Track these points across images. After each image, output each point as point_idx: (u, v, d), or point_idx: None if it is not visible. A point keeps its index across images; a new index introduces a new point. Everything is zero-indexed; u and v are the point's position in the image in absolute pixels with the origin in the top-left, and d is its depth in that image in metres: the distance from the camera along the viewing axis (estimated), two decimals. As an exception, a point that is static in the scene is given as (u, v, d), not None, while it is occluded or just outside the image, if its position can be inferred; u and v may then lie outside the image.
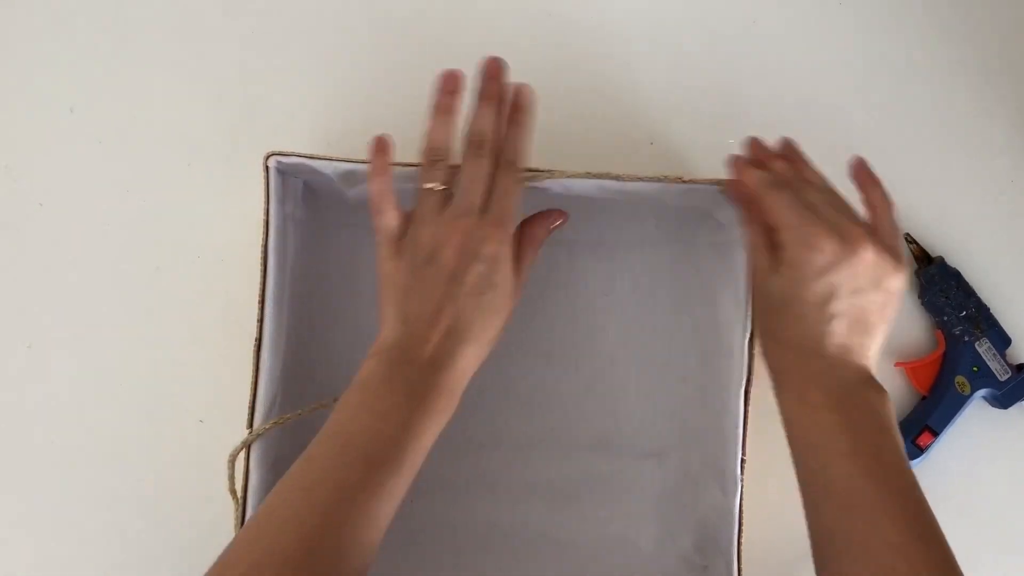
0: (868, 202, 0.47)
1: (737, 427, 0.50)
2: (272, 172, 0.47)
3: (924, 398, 0.57)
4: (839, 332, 0.43)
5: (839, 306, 0.42)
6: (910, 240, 0.57)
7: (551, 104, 0.58)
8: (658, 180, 0.47)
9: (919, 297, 0.57)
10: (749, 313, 0.49)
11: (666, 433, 0.56)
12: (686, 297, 0.56)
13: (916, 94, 0.59)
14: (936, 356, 0.57)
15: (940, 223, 0.58)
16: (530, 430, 0.56)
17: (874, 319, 0.43)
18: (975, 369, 0.56)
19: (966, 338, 0.56)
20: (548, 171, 0.47)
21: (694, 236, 0.56)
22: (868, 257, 0.42)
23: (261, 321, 0.47)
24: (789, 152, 0.50)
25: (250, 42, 0.59)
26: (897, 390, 0.58)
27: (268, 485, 0.49)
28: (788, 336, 0.44)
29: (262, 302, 0.47)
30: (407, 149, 0.58)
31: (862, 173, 0.48)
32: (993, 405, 0.57)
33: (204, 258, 0.57)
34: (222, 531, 0.54)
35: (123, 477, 0.56)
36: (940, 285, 0.56)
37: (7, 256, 0.57)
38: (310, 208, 0.53)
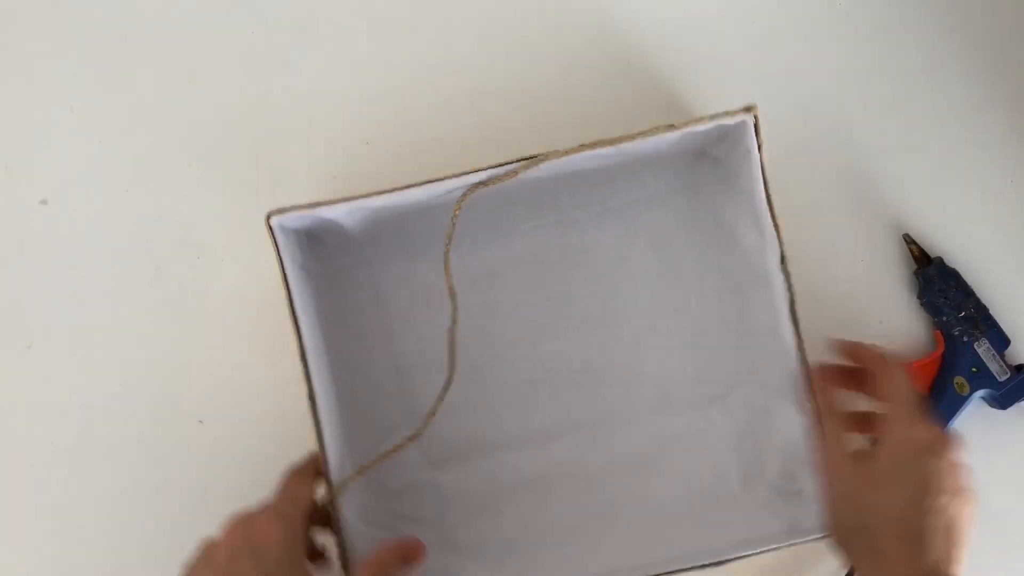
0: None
1: (792, 348, 0.49)
2: (277, 231, 0.47)
3: (923, 398, 0.57)
4: (938, 529, 0.41)
5: (938, 499, 0.42)
6: (909, 240, 0.57)
7: (550, 99, 0.59)
8: (651, 133, 0.47)
9: (918, 298, 0.57)
10: (776, 235, 0.49)
11: (722, 375, 0.56)
12: (705, 239, 0.56)
13: (916, 94, 0.59)
14: (935, 357, 0.56)
15: (940, 223, 0.58)
16: (592, 410, 0.56)
17: (964, 527, 0.42)
18: (974, 370, 0.55)
19: (965, 339, 0.56)
20: (543, 155, 0.47)
21: (694, 178, 0.56)
22: (953, 457, 0.43)
23: (308, 377, 0.47)
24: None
25: (251, 41, 0.59)
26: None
27: (358, 533, 0.49)
28: (884, 522, 0.42)
29: (304, 359, 0.47)
30: (410, 164, 0.58)
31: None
32: (992, 406, 0.57)
33: (204, 258, 0.57)
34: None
35: (122, 477, 0.56)
36: (939, 285, 0.56)
37: (7, 256, 0.57)
38: (317, 256, 0.53)
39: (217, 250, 0.57)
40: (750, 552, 0.48)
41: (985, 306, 0.56)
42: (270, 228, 0.47)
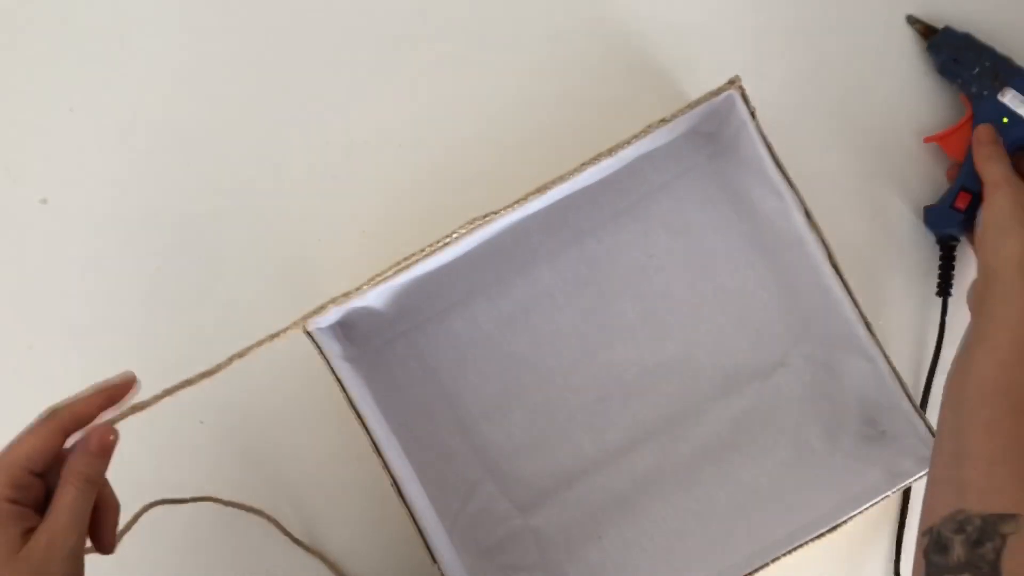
0: None
1: (842, 298, 0.49)
2: (315, 333, 0.47)
3: (960, 165, 0.55)
4: None
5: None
6: (913, 20, 0.56)
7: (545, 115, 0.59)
8: (645, 133, 0.47)
9: (937, 71, 0.56)
10: (797, 197, 0.49)
11: (776, 340, 0.56)
12: (722, 214, 0.56)
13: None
14: (963, 121, 0.54)
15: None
16: (660, 411, 0.56)
17: None
18: (1005, 120, 0.52)
19: (985, 92, 0.53)
20: (547, 183, 0.47)
21: (692, 159, 0.56)
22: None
23: (387, 467, 0.47)
24: None
25: (250, 42, 0.59)
26: (931, 169, 0.57)
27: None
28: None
29: (377, 451, 0.47)
30: (409, 164, 0.58)
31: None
32: None
33: (204, 258, 0.57)
34: (220, 533, 0.54)
35: (121, 478, 0.56)
36: (949, 51, 0.54)
37: (7, 256, 0.57)
38: (354, 342, 0.53)
39: (217, 250, 0.57)
40: (861, 508, 0.48)
41: (1006, 57, 0.53)
42: (308, 333, 0.47)
